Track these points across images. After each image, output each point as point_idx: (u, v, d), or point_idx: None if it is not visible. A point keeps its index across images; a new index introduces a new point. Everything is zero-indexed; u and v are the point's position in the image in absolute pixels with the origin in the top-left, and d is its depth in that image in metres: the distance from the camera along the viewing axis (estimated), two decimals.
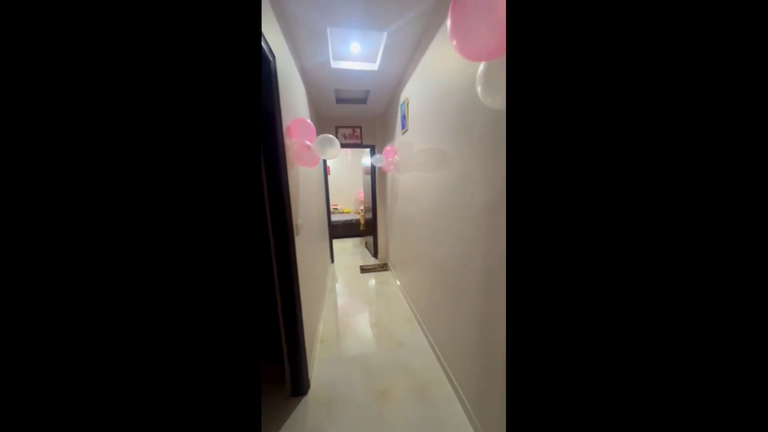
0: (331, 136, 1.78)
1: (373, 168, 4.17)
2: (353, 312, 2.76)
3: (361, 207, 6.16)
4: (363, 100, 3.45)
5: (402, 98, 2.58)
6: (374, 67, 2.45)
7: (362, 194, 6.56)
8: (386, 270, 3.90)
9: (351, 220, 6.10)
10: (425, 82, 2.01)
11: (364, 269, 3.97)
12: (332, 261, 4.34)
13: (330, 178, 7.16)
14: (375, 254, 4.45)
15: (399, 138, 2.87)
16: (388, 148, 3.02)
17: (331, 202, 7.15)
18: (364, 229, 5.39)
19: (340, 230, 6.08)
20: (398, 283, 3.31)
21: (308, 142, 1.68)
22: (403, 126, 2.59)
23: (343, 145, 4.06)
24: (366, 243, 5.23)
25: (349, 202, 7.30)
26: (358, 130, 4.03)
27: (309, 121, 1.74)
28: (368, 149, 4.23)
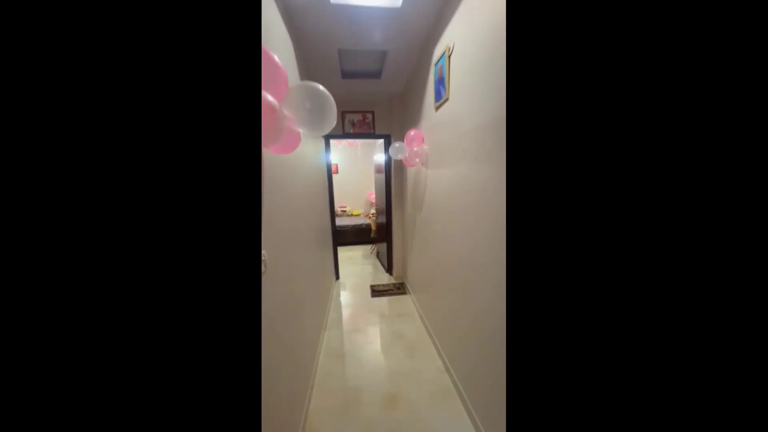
0: (317, 86, 0.90)
1: (387, 164, 3.28)
2: (361, 371, 1.87)
3: (373, 210, 5.29)
4: (376, 74, 2.56)
5: (438, 52, 1.68)
6: (396, 2, 1.56)
7: (374, 195, 5.69)
8: (403, 293, 3.00)
9: (361, 225, 5.23)
10: (486, 15, 1.10)
11: (375, 291, 3.08)
12: (337, 277, 3.48)
13: (337, 177, 6.34)
14: (389, 269, 3.56)
15: (429, 118, 1.97)
16: (411, 133, 2.12)
17: (339, 204, 6.32)
18: (376, 236, 4.51)
19: (348, 236, 5.21)
20: (422, 317, 2.41)
21: (272, 99, 0.80)
22: (440, 96, 1.68)
23: (350, 135, 3.18)
24: (377, 252, 4.35)
25: (358, 204, 6.44)
26: (369, 115, 3.15)
27: (276, 58, 0.86)
28: (382, 140, 3.34)
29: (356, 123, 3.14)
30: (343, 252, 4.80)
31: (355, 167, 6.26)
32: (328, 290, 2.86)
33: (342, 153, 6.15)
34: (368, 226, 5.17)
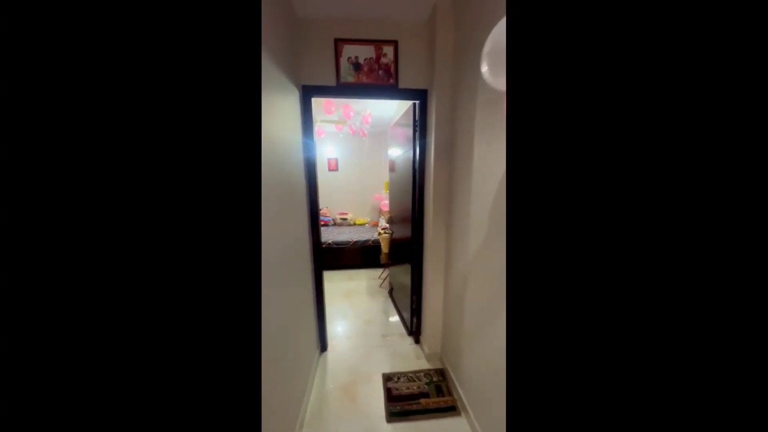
0: None
1: (422, 148, 1.73)
2: None
3: (383, 221, 3.73)
4: None
5: None
6: None
7: (384, 201, 4.13)
8: (452, 408, 1.42)
9: (366, 242, 3.67)
10: None
11: (394, 396, 1.49)
12: (323, 347, 1.91)
13: (336, 175, 4.81)
14: (413, 330, 1.99)
15: None
16: None
17: (339, 210, 4.78)
18: (388, 261, 2.95)
19: (348, 257, 3.66)
20: None
21: None
22: None
23: (351, 90, 1.62)
24: (391, 288, 2.79)
25: (363, 211, 4.89)
26: (389, 50, 1.59)
27: None
28: (412, 104, 1.77)
29: (363, 66, 1.58)
30: (341, 281, 3.25)
31: (360, 163, 4.71)
32: (302, 388, 1.30)
33: (343, 144, 4.60)
34: (377, 243, 3.60)
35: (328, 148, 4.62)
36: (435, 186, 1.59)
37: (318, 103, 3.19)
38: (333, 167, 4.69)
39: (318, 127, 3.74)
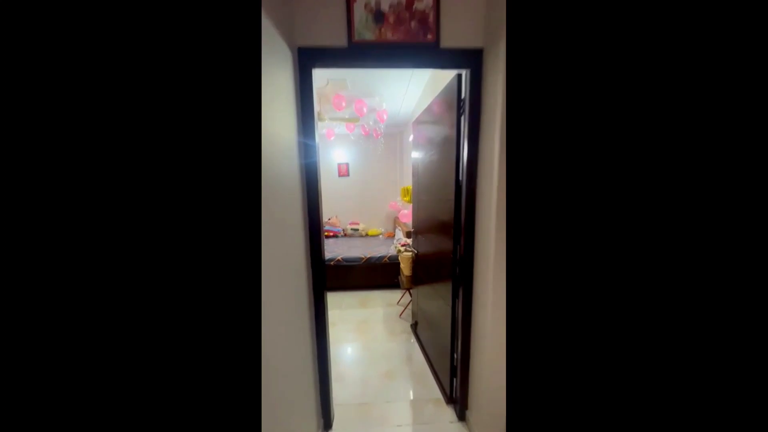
0: None
1: (468, 148, 1.17)
2: None
3: (401, 234, 3.16)
4: None
5: None
6: None
7: (403, 211, 3.57)
8: None
9: (381, 259, 3.10)
10: None
11: None
12: (327, 425, 1.34)
13: (346, 181, 4.30)
14: (453, 396, 1.40)
15: None
16: None
17: (350, 220, 4.26)
18: (411, 284, 2.37)
19: (358, 276, 3.10)
20: None
21: None
22: None
23: (369, 52, 1.07)
24: (414, 319, 2.20)
25: (376, 220, 4.35)
26: None
27: None
28: (456, 75, 1.23)
29: (387, 15, 1.05)
30: (351, 308, 2.68)
31: (373, 168, 4.19)
32: None
33: (354, 147, 4.10)
34: (393, 259, 3.03)
35: (338, 153, 4.13)
36: (500, 184, 1.02)
37: (327, 98, 2.70)
38: (344, 173, 4.18)
39: (327, 127, 3.25)
